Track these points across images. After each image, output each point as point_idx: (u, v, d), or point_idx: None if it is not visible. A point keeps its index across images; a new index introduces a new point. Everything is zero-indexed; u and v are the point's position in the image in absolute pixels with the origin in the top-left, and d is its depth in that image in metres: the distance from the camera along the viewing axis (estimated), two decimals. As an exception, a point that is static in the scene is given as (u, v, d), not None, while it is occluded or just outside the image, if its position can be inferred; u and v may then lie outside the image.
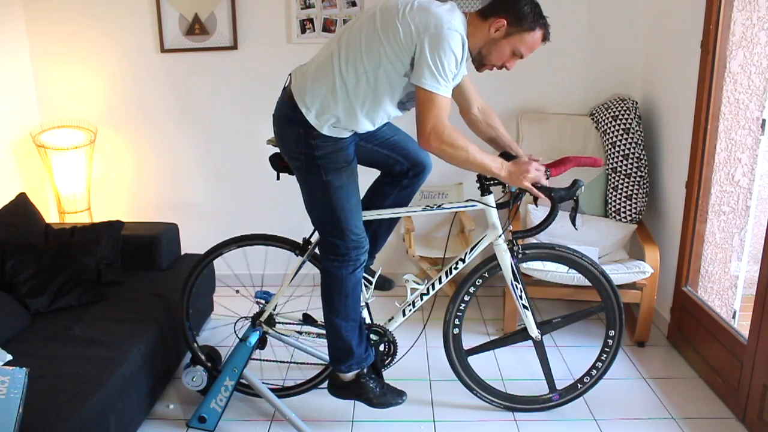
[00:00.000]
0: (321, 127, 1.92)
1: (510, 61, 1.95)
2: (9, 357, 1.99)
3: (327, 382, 2.27)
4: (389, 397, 2.20)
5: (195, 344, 2.40)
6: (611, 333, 2.28)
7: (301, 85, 1.94)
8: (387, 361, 2.31)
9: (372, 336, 2.27)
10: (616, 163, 3.00)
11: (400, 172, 2.22)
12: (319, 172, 1.97)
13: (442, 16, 1.80)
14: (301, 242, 2.27)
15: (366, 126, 1.98)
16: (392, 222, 2.33)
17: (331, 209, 2.00)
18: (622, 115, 3.00)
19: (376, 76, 1.87)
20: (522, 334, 2.30)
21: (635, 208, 2.98)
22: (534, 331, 2.27)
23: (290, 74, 2.02)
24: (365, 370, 2.18)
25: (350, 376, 2.17)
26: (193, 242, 3.25)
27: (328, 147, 1.95)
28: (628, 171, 2.97)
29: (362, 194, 2.20)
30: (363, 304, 2.26)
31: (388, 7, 1.88)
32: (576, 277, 2.67)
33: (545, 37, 1.95)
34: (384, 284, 2.38)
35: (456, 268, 2.22)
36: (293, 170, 2.08)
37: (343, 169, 1.98)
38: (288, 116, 1.97)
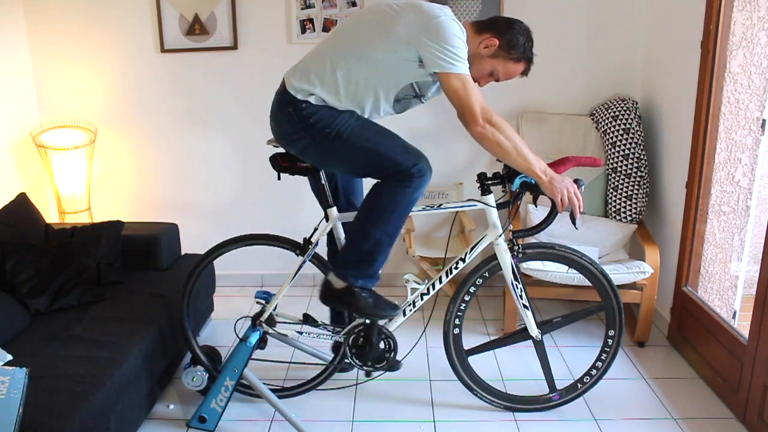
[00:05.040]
0: (307, 98, 1.94)
1: (484, 79, 1.99)
2: (9, 357, 1.99)
3: (322, 286, 2.14)
4: (381, 308, 2.09)
5: (195, 344, 2.40)
6: (611, 333, 2.28)
7: (292, 75, 2.00)
8: (392, 354, 2.29)
9: (365, 336, 2.27)
10: (616, 163, 3.00)
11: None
12: (326, 134, 1.94)
13: (434, 8, 1.85)
14: (302, 242, 2.27)
15: (354, 108, 1.98)
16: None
17: (364, 153, 1.94)
18: (622, 115, 3.01)
19: (368, 67, 1.90)
20: (522, 334, 2.30)
21: (635, 208, 2.98)
22: (534, 331, 2.27)
23: (284, 78, 2.05)
24: (359, 283, 2.08)
25: (343, 284, 2.07)
26: (193, 242, 3.26)
27: (321, 112, 1.95)
28: (628, 171, 2.97)
29: (363, 194, 2.20)
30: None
31: (383, 4, 1.92)
32: (576, 277, 2.67)
33: (525, 72, 2.00)
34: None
35: (456, 268, 2.22)
36: (304, 155, 2.06)
37: (344, 117, 1.95)
38: (277, 103, 2.01)
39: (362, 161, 1.98)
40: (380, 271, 2.11)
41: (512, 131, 1.89)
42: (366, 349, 2.21)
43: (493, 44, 1.93)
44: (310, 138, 1.97)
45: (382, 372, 2.26)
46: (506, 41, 1.93)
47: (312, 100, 1.95)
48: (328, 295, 2.13)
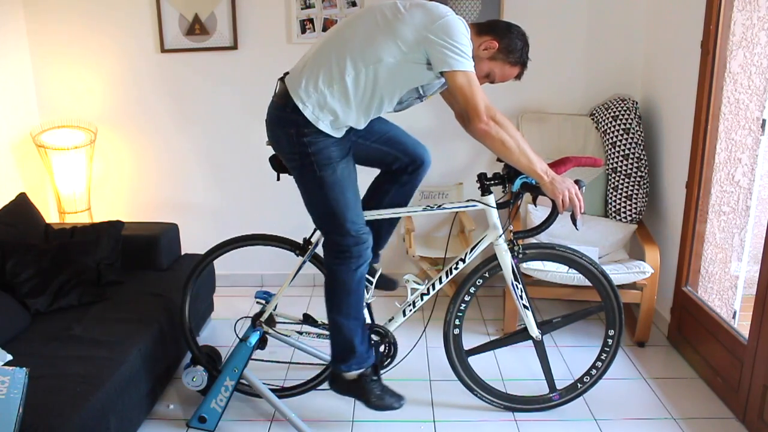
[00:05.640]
0: (317, 121, 1.91)
1: (480, 80, 2.00)
2: (9, 357, 1.99)
3: (328, 377, 2.25)
4: (388, 399, 2.18)
5: (195, 344, 2.40)
6: (611, 332, 2.28)
7: (296, 81, 1.93)
8: (387, 362, 2.31)
9: (373, 336, 2.27)
10: (617, 163, 3.00)
11: (398, 169, 2.21)
12: (313, 169, 1.96)
13: (440, 7, 1.86)
14: (302, 242, 2.27)
15: (360, 121, 1.98)
16: (393, 221, 2.33)
17: (328, 205, 1.99)
18: (622, 115, 3.00)
19: (376, 70, 1.87)
20: (522, 334, 2.30)
21: (635, 208, 2.98)
22: (534, 331, 2.27)
23: (279, 80, 2.01)
24: (368, 371, 2.18)
25: (352, 375, 2.16)
26: (193, 242, 3.25)
27: (320, 143, 1.94)
28: (628, 171, 2.97)
29: (362, 194, 2.20)
30: (363, 304, 2.26)
31: (387, 5, 1.91)
32: (576, 277, 2.67)
33: (518, 76, 2.04)
34: (387, 284, 2.37)
35: (456, 269, 2.22)
36: (290, 171, 2.08)
37: (336, 164, 1.96)
38: (278, 118, 1.97)
39: (320, 210, 2.03)
40: (369, 352, 2.17)
41: (515, 130, 1.90)
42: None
43: (493, 47, 1.94)
44: (300, 163, 1.98)
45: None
46: (505, 44, 1.94)
47: (321, 122, 1.91)
48: (337, 385, 2.21)
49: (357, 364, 2.14)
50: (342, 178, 1.99)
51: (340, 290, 2.08)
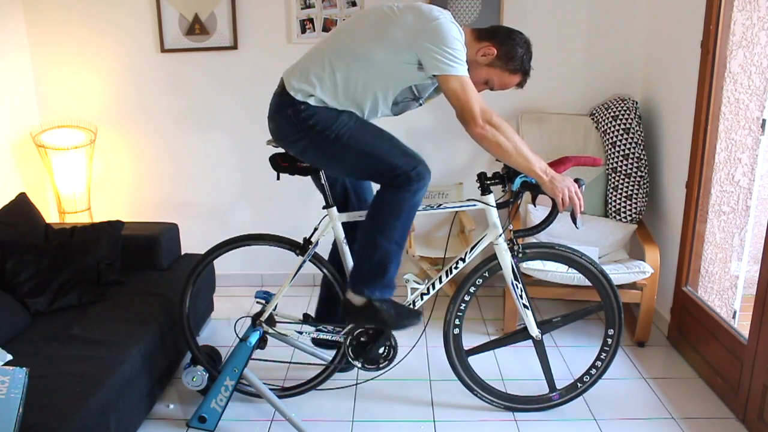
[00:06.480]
0: (306, 99, 1.93)
1: (479, 86, 2.00)
2: (9, 357, 1.99)
3: (342, 303, 2.15)
4: (405, 317, 2.07)
5: (195, 344, 2.40)
6: (610, 332, 2.28)
7: (291, 74, 1.98)
8: (387, 362, 2.30)
9: (371, 336, 2.27)
10: (616, 163, 3.00)
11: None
12: (325, 136, 1.93)
13: (433, 10, 1.87)
14: (302, 242, 2.27)
15: (354, 109, 1.98)
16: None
17: (363, 156, 1.94)
18: (622, 115, 3.01)
19: (366, 69, 1.89)
20: (522, 334, 2.30)
21: (635, 208, 2.98)
22: (534, 331, 2.27)
23: (282, 78, 2.04)
24: (376, 296, 2.07)
25: (363, 299, 2.07)
26: (193, 242, 3.26)
27: (319, 111, 1.94)
28: (628, 171, 2.97)
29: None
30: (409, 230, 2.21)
31: (384, 6, 1.92)
32: (576, 277, 2.67)
33: (520, 84, 2.02)
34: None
35: (456, 268, 2.22)
36: (304, 156, 2.05)
37: (342, 119, 1.95)
38: (275, 105, 2.00)
39: (361, 164, 1.98)
40: (394, 281, 2.11)
41: (512, 131, 1.90)
42: (366, 348, 2.21)
43: (491, 53, 1.93)
44: (309, 140, 1.96)
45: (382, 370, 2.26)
46: (504, 52, 1.93)
47: (311, 101, 1.94)
48: (349, 312, 2.12)
49: (380, 290, 2.05)
50: (359, 126, 1.95)
51: (391, 212, 1.97)
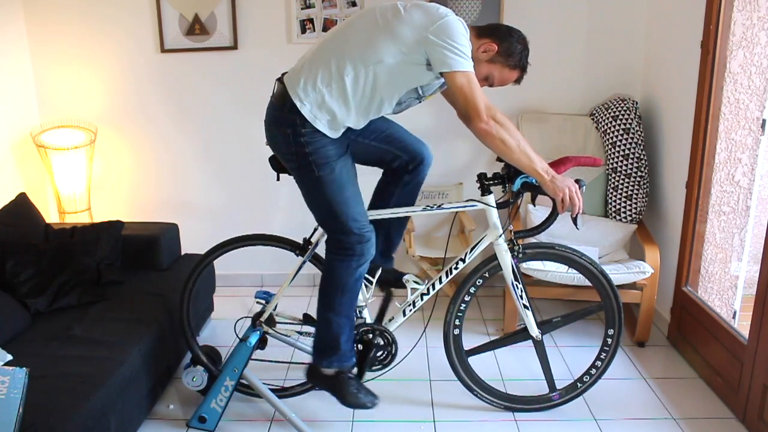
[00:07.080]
0: (315, 120, 1.91)
1: (479, 83, 1.98)
2: (9, 357, 1.99)
3: (306, 369, 2.21)
4: (362, 397, 2.14)
5: (195, 344, 2.40)
6: (610, 332, 2.28)
7: (295, 80, 1.93)
8: (388, 362, 2.30)
9: (372, 336, 2.27)
10: (617, 163, 3.00)
11: (399, 167, 2.21)
12: (311, 169, 1.95)
13: (440, 8, 1.87)
14: (302, 242, 2.27)
15: (359, 122, 1.98)
16: (403, 222, 2.33)
17: (328, 203, 1.99)
18: (622, 115, 3.01)
19: (375, 71, 1.87)
20: (522, 334, 2.30)
21: (635, 208, 2.98)
22: (534, 331, 2.27)
23: (277, 80, 2.00)
24: (347, 368, 2.15)
25: (330, 371, 2.14)
26: (193, 242, 3.25)
27: (317, 142, 1.93)
28: (628, 171, 2.97)
29: (368, 195, 2.20)
30: (363, 304, 2.26)
31: (387, 5, 1.91)
32: (576, 277, 2.67)
33: (518, 80, 2.04)
34: (396, 282, 2.34)
35: (456, 268, 2.22)
36: (289, 171, 2.08)
37: (334, 162, 1.96)
38: (275, 118, 1.97)
39: (323, 207, 2.02)
40: (351, 352, 2.16)
41: (515, 129, 1.92)
42: (364, 352, 2.22)
43: (492, 49, 1.94)
44: (297, 163, 1.98)
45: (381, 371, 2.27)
46: (505, 48, 1.95)
47: (318, 121, 1.90)
48: (314, 377, 2.19)
49: (338, 362, 2.13)
50: (341, 176, 1.98)
51: (336, 287, 2.07)
